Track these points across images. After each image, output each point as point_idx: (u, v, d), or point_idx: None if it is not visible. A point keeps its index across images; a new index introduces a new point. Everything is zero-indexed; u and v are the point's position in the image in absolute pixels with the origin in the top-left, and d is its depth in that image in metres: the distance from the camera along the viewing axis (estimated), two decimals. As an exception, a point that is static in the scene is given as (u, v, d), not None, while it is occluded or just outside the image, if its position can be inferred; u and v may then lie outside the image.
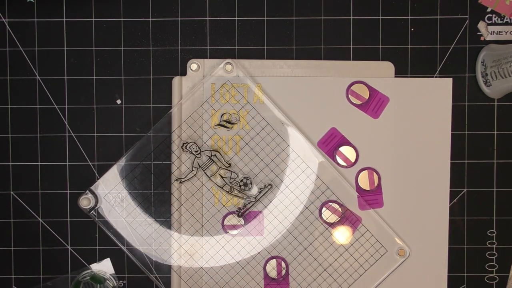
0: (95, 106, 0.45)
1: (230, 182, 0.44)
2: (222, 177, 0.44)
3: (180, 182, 0.44)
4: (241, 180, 0.44)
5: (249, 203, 0.44)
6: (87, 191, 0.44)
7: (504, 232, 0.45)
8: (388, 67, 0.45)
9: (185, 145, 0.43)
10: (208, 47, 0.45)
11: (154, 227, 0.45)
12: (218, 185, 0.44)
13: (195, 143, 0.43)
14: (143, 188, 0.45)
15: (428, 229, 0.45)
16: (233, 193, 0.44)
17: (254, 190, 0.44)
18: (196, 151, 0.43)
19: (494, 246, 0.46)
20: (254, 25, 0.45)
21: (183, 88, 0.44)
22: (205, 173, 0.44)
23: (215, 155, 0.44)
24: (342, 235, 0.44)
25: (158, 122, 0.44)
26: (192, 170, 0.44)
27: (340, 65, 0.45)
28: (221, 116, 0.44)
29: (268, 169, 0.44)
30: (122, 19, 0.45)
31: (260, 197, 0.44)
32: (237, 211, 0.44)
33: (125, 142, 0.45)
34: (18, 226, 0.45)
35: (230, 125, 0.44)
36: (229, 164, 0.44)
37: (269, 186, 0.44)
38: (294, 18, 0.45)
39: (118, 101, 0.45)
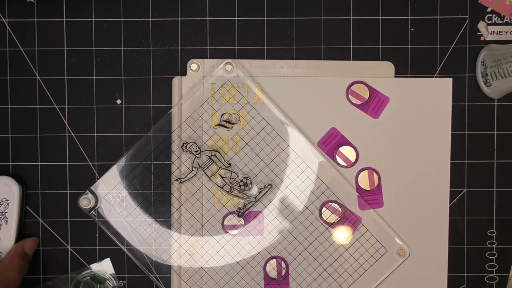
0: (95, 106, 0.45)
1: (230, 182, 0.44)
2: (222, 177, 0.44)
3: (180, 182, 0.44)
4: (241, 180, 0.44)
5: (249, 203, 0.44)
6: (87, 191, 0.44)
7: (504, 232, 0.45)
8: (388, 67, 0.45)
9: (185, 145, 0.43)
10: (208, 47, 0.45)
11: (154, 227, 0.45)
12: (218, 185, 0.44)
13: (195, 143, 0.43)
14: (143, 188, 0.45)
15: (428, 229, 0.45)
16: (233, 193, 0.44)
17: (254, 190, 0.44)
18: (196, 151, 0.43)
19: (494, 246, 0.46)
20: (254, 25, 0.45)
21: (183, 88, 0.44)
22: (205, 173, 0.44)
23: (215, 155, 0.44)
24: (342, 235, 0.44)
25: (158, 122, 0.44)
26: (192, 170, 0.44)
27: (340, 65, 0.45)
28: (221, 116, 0.44)
29: (268, 169, 0.44)
30: (122, 19, 0.45)
31: (260, 197, 0.44)
32: (237, 211, 0.44)
33: (125, 142, 0.45)
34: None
35: (230, 125, 0.44)
36: (229, 164, 0.44)
37: (269, 186, 0.44)
38: (294, 18, 0.45)
39: (118, 101, 0.45)
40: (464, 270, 0.46)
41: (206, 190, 0.44)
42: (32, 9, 0.45)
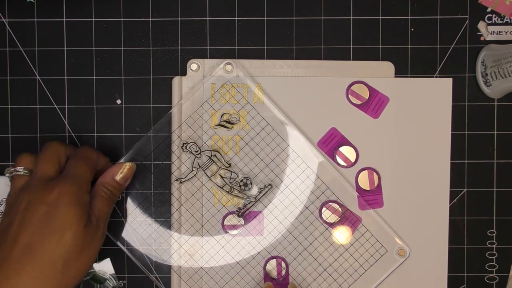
0: (95, 106, 0.45)
1: (230, 182, 0.44)
2: (222, 177, 0.44)
3: (180, 182, 0.44)
4: (241, 180, 0.44)
5: (249, 203, 0.44)
6: None
7: (504, 232, 0.45)
8: (388, 67, 0.45)
9: (185, 145, 0.43)
10: (208, 47, 0.45)
11: (154, 227, 0.45)
12: (218, 185, 0.44)
13: (195, 143, 0.43)
14: (143, 188, 0.45)
15: (428, 229, 0.45)
16: (233, 193, 0.44)
17: (254, 190, 0.44)
18: (196, 151, 0.43)
19: (494, 246, 0.46)
20: (254, 25, 0.45)
21: (183, 88, 0.44)
22: (205, 173, 0.44)
23: (215, 155, 0.44)
24: (342, 235, 0.44)
25: (158, 122, 0.44)
26: (192, 170, 0.44)
27: (340, 65, 0.45)
28: (221, 116, 0.44)
29: (268, 169, 0.44)
30: (122, 19, 0.45)
31: (260, 197, 0.44)
32: (237, 211, 0.44)
33: (125, 142, 0.45)
34: (18, 226, 0.45)
35: (230, 125, 0.44)
36: (229, 164, 0.44)
37: (269, 186, 0.44)
38: (294, 18, 0.45)
39: (118, 101, 0.45)
40: (464, 270, 0.46)
41: (206, 190, 0.44)
42: (32, 9, 0.45)
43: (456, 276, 0.46)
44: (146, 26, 0.45)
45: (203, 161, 0.44)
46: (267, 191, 0.44)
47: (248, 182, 0.44)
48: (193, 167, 0.44)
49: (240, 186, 0.44)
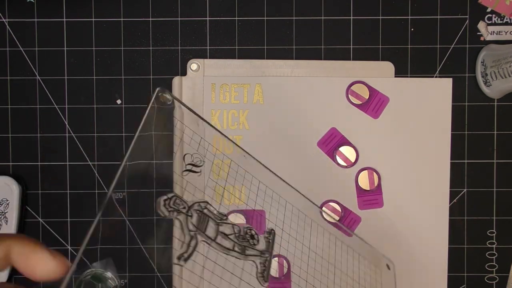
0: (95, 106, 0.45)
1: (237, 239, 0.32)
2: (226, 235, 0.31)
3: (185, 260, 0.31)
4: (246, 232, 0.32)
5: (265, 261, 0.33)
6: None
7: (504, 232, 0.45)
8: (388, 67, 0.45)
9: (166, 202, 0.29)
10: (208, 47, 0.45)
11: (155, 227, 0.45)
12: (227, 248, 0.32)
13: (176, 196, 0.30)
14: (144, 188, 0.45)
15: (428, 229, 0.45)
16: (247, 253, 0.32)
17: (261, 242, 0.34)
18: (184, 208, 0.30)
19: (494, 246, 0.46)
20: (254, 25, 0.45)
21: (183, 88, 0.44)
22: (206, 236, 0.31)
23: (206, 207, 0.31)
24: (343, 234, 0.44)
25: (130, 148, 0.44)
26: (192, 238, 0.30)
27: (340, 65, 0.45)
28: (184, 158, 0.33)
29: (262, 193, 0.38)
30: (122, 19, 0.45)
31: (273, 248, 0.35)
32: (260, 277, 0.34)
33: (125, 142, 0.45)
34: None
35: (197, 168, 0.33)
36: (225, 215, 0.31)
37: (272, 232, 0.35)
38: (294, 18, 0.45)
39: (118, 101, 0.45)
40: (464, 270, 0.46)
41: (207, 188, 0.44)
42: (32, 9, 0.45)
43: (456, 276, 0.46)
44: (146, 26, 0.45)
45: (196, 220, 0.30)
46: (274, 237, 0.35)
47: (253, 231, 0.33)
48: (189, 232, 0.30)
49: (248, 240, 0.32)
